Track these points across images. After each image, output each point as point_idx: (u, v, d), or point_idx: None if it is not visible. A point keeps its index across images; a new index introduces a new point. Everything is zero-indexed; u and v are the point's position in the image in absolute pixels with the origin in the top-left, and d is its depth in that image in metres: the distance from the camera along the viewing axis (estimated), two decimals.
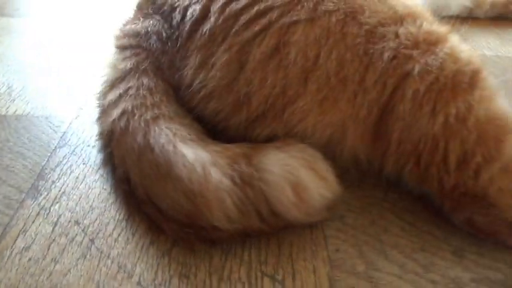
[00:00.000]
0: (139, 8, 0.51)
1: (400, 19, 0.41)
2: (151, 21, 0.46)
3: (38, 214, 0.38)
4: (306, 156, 0.35)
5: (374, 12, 0.41)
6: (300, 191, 0.33)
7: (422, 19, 0.42)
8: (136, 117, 0.38)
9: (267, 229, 0.34)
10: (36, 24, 0.74)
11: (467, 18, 0.88)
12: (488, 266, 0.35)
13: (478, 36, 0.83)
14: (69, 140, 0.47)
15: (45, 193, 0.40)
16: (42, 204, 0.39)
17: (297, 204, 0.33)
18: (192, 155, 0.34)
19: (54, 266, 0.33)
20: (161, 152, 0.35)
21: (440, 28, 0.43)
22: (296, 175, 0.33)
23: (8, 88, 0.55)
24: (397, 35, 0.40)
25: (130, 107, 0.39)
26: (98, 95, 0.45)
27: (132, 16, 0.51)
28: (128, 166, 0.37)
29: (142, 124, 0.38)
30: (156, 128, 0.37)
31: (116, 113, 0.40)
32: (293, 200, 0.32)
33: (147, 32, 0.45)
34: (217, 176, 0.32)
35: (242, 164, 0.33)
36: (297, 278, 0.32)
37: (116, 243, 0.35)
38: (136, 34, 0.46)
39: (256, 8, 0.40)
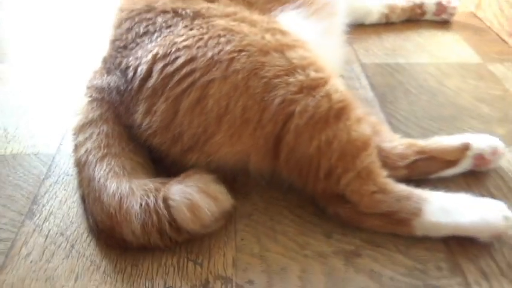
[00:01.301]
0: (104, 62, 0.65)
1: (293, 70, 0.56)
2: (112, 77, 0.60)
3: (34, 230, 0.52)
4: (200, 183, 0.49)
5: (272, 67, 0.55)
6: (195, 210, 0.47)
7: (312, 68, 0.57)
8: (92, 155, 0.54)
9: (169, 244, 0.49)
10: (23, 69, 0.87)
11: (386, 24, 1.06)
12: (346, 242, 0.51)
13: (394, 44, 0.98)
14: (53, 171, 0.62)
15: (38, 214, 0.55)
16: (36, 222, 0.53)
17: (193, 220, 0.47)
18: (114, 187, 0.49)
19: (48, 265, 0.48)
20: (98, 182, 0.51)
21: (324, 74, 0.57)
22: (191, 199, 0.47)
23: (4, 131, 0.70)
24: (287, 84, 0.54)
25: (90, 147, 0.55)
26: (73, 135, 0.59)
27: (98, 69, 0.65)
28: (84, 190, 0.52)
29: (94, 160, 0.53)
30: (100, 164, 0.52)
31: (82, 150, 0.56)
32: (190, 218, 0.47)
33: (109, 87, 0.60)
34: (129, 203, 0.47)
35: (151, 195, 0.48)
36: (211, 260, 0.48)
37: (89, 246, 0.50)
38: (101, 90, 0.60)
39: (184, 70, 0.55)
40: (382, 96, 0.80)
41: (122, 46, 0.61)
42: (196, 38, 0.57)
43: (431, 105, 0.79)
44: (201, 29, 0.58)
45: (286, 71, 0.55)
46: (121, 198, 0.48)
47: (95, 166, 0.52)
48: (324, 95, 0.54)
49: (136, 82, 0.57)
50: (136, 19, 0.62)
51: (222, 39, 0.56)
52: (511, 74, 0.88)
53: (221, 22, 0.59)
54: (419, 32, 1.03)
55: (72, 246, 0.50)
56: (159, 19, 0.61)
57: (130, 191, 0.48)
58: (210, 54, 0.55)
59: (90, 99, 0.61)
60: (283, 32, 0.61)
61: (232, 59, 0.55)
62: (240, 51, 0.55)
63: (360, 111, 0.58)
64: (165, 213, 0.47)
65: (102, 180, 0.50)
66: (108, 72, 0.61)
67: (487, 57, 0.94)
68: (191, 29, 0.58)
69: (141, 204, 0.47)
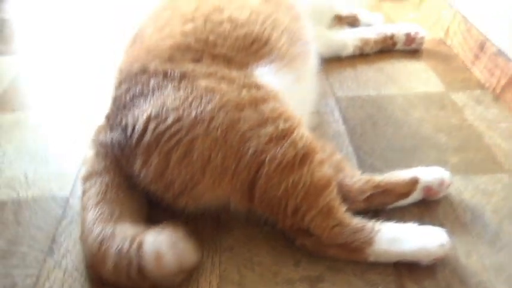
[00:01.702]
0: (107, 118, 0.76)
1: (264, 123, 0.66)
2: (114, 134, 0.71)
3: (54, 266, 0.64)
4: (171, 238, 0.59)
5: (246, 121, 0.66)
6: (161, 262, 0.56)
7: (281, 119, 0.67)
8: (91, 200, 0.65)
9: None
10: (40, 115, 0.98)
11: (361, 55, 1.15)
12: (312, 269, 0.62)
13: (367, 76, 1.08)
14: (68, 212, 0.73)
15: (57, 252, 0.66)
16: (56, 259, 0.65)
17: (158, 270, 0.56)
18: (98, 230, 0.59)
19: None
20: (88, 224, 0.62)
21: (291, 123, 0.68)
22: (160, 252, 0.57)
23: (25, 177, 0.81)
24: (259, 136, 0.65)
25: (91, 194, 0.66)
26: (82, 182, 0.70)
27: (103, 125, 0.76)
28: (80, 231, 0.64)
29: (91, 205, 0.64)
30: (94, 209, 0.63)
31: (86, 196, 0.67)
32: (155, 268, 0.56)
33: (112, 143, 0.70)
34: (108, 246, 0.57)
35: (128, 241, 0.58)
36: (199, 286, 0.58)
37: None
38: (105, 145, 0.71)
39: (173, 128, 0.65)
40: (353, 129, 0.91)
41: (121, 105, 0.72)
42: (182, 99, 0.67)
43: (395, 136, 0.88)
44: (186, 90, 0.69)
45: (259, 124, 0.66)
46: (102, 240, 0.58)
47: (90, 210, 0.63)
48: (290, 144, 0.65)
49: (134, 139, 0.67)
50: (133, 81, 0.73)
51: (204, 100, 0.67)
52: (471, 102, 0.98)
53: (203, 83, 0.70)
54: (391, 62, 1.13)
55: (85, 279, 0.61)
56: (152, 81, 0.71)
57: (112, 235, 0.59)
58: (194, 114, 0.66)
59: (96, 152, 0.72)
60: (258, 86, 0.72)
61: (212, 118, 0.65)
62: (219, 109, 0.66)
63: (322, 154, 0.68)
64: (135, 259, 0.56)
65: (91, 223, 0.61)
66: (111, 129, 0.72)
67: (451, 86, 1.03)
68: (178, 90, 0.69)
69: (117, 248, 0.57)
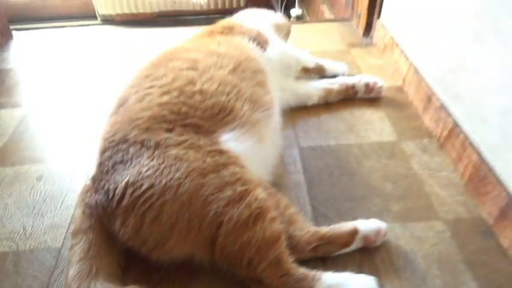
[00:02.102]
0: (93, 181, 0.88)
1: (223, 187, 0.79)
2: (98, 196, 0.83)
3: None
4: None
5: (209, 186, 0.78)
6: None
7: (239, 183, 0.80)
8: (74, 256, 0.77)
9: None
10: (37, 169, 1.11)
11: (325, 104, 1.28)
12: None
13: (329, 125, 1.20)
14: (60, 262, 0.85)
15: None
16: None
17: None
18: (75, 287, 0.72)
19: None
20: (69, 280, 0.74)
21: (248, 186, 0.80)
22: None
23: (23, 229, 0.93)
24: (219, 199, 0.77)
25: (77, 249, 0.78)
26: (71, 237, 0.83)
27: (90, 185, 0.88)
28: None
29: (75, 260, 0.77)
30: (76, 265, 0.76)
31: (73, 250, 0.79)
32: None
33: (96, 204, 0.83)
34: None
35: None
36: None
37: None
38: (91, 206, 0.83)
39: (147, 194, 0.78)
40: (311, 180, 1.03)
41: (105, 171, 0.85)
42: (155, 168, 0.80)
43: (348, 186, 1.01)
44: (159, 159, 0.81)
45: (219, 189, 0.78)
46: None
47: (73, 266, 0.76)
48: (245, 206, 0.77)
49: (115, 202, 0.80)
50: (115, 149, 0.86)
51: (173, 168, 0.80)
52: (418, 151, 1.10)
53: (174, 151, 0.82)
54: (352, 111, 1.26)
55: None
56: (131, 150, 0.84)
57: None
58: (164, 181, 0.78)
59: (83, 211, 0.84)
60: (221, 152, 0.85)
61: (179, 185, 0.78)
62: (186, 177, 0.78)
63: (274, 212, 0.80)
64: None
65: (71, 279, 0.74)
66: (96, 191, 0.85)
67: (402, 135, 1.16)
68: (152, 159, 0.82)
69: None
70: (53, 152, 1.18)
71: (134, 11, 3.05)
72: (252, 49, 1.17)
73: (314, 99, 1.28)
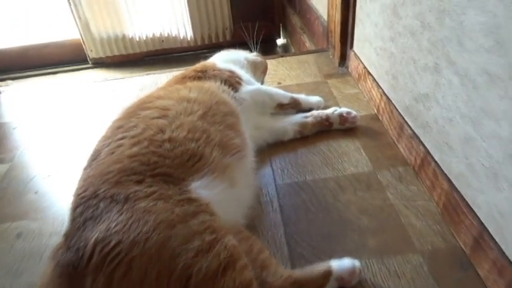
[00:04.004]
0: (65, 237, 0.87)
1: (192, 237, 0.78)
2: (69, 254, 0.83)
3: None
4: None
5: (177, 237, 0.77)
6: None
7: (208, 231, 0.79)
8: None
9: None
10: (18, 227, 1.11)
11: (302, 138, 1.28)
12: None
13: (306, 160, 1.20)
14: None
15: None
16: None
17: None
18: None
19: None
20: None
21: (217, 234, 0.79)
22: None
23: None
24: (187, 251, 0.76)
25: None
26: None
27: (62, 243, 0.87)
28: None
29: None
30: None
31: None
32: None
33: (67, 262, 0.82)
34: None
35: None
36: None
37: None
38: (61, 264, 0.82)
39: (115, 251, 0.76)
40: (288, 219, 1.02)
41: (76, 228, 0.84)
42: (123, 223, 0.79)
43: (324, 222, 1.00)
44: (127, 214, 0.81)
45: (187, 240, 0.77)
46: None
47: None
48: (214, 255, 0.76)
49: (85, 260, 0.79)
50: (86, 205, 0.86)
51: (141, 222, 0.79)
52: (394, 180, 1.09)
53: (143, 204, 0.82)
54: (328, 143, 1.26)
55: None
56: (101, 205, 0.84)
57: None
58: (132, 236, 0.77)
59: (53, 269, 0.83)
60: (191, 200, 0.84)
61: (147, 239, 0.77)
62: (154, 230, 0.77)
63: (244, 260, 0.79)
64: None
65: None
66: (68, 248, 0.84)
67: (378, 165, 1.15)
68: (121, 214, 0.81)
69: None
70: (33, 207, 1.18)
71: (124, 52, 3.12)
72: (224, 91, 1.19)
73: (290, 134, 1.28)
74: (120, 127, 1.01)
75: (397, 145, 1.20)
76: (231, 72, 1.30)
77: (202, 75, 1.26)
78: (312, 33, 2.29)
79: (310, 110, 1.35)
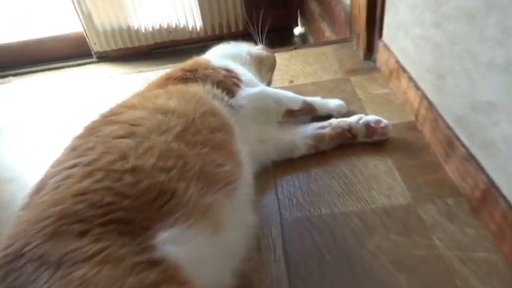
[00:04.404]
0: None
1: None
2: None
3: None
4: None
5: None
6: None
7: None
8: None
9: None
10: None
11: (316, 153, 0.99)
12: None
13: (321, 185, 0.90)
14: None
15: None
16: None
17: None
18: None
19: None
20: None
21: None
22: None
23: None
24: None
25: None
26: None
27: None
28: None
29: None
30: None
31: None
32: None
33: None
34: None
35: None
36: None
37: None
38: None
39: None
40: (295, 271, 0.74)
41: None
42: None
43: (343, 278, 0.72)
44: (59, 284, 0.56)
45: None
46: None
47: None
48: None
49: None
50: (10, 267, 0.61)
51: None
52: (442, 219, 0.79)
53: (81, 271, 0.56)
54: (351, 162, 0.97)
55: None
56: (29, 268, 0.58)
57: None
58: None
59: None
60: (152, 264, 0.58)
61: None
62: None
63: None
64: None
65: None
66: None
67: (418, 194, 0.85)
68: (52, 283, 0.57)
69: None
70: None
71: (129, 45, 2.89)
72: (215, 97, 0.91)
73: (302, 150, 0.99)
74: (75, 149, 0.76)
75: (443, 166, 0.90)
76: (228, 70, 1.02)
77: (191, 75, 0.98)
78: (333, 20, 1.98)
79: (328, 117, 1.07)
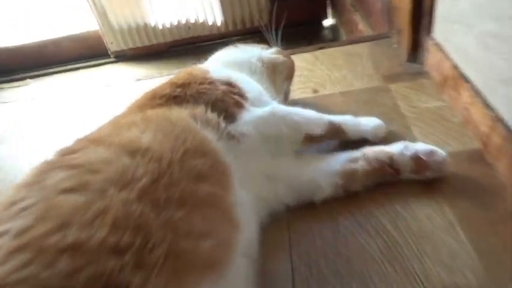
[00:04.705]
0: None
1: None
2: None
3: None
4: None
5: None
6: None
7: None
8: None
9: None
10: None
11: (345, 197, 0.73)
12: None
13: (353, 246, 0.65)
14: None
15: None
16: None
17: None
18: None
19: None
20: None
21: None
22: None
23: None
24: None
25: None
26: None
27: None
28: None
29: None
30: None
31: None
32: None
33: None
34: None
35: None
36: None
37: None
38: None
39: None
40: None
41: None
42: None
43: None
44: None
45: None
46: None
47: None
48: None
49: None
50: None
51: None
52: None
53: None
54: (394, 211, 0.70)
55: None
56: None
57: None
58: None
59: None
60: None
61: None
62: None
63: None
64: None
65: None
66: None
67: (497, 270, 0.58)
68: None
69: None
70: None
71: (147, 43, 2.72)
72: (207, 125, 0.67)
73: (326, 191, 0.73)
74: (14, 203, 0.55)
75: None
76: (230, 85, 0.78)
77: (182, 92, 0.75)
78: (367, 10, 1.68)
79: (361, 141, 0.81)
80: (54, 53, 2.77)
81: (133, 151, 0.57)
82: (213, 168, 0.60)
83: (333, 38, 2.48)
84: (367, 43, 1.24)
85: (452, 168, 0.73)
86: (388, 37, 1.24)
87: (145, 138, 0.59)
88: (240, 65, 0.90)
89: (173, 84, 0.78)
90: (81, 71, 2.79)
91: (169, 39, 2.70)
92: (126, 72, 2.69)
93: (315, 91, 1.06)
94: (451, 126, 0.84)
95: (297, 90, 1.07)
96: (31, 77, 2.82)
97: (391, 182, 0.74)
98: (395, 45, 1.18)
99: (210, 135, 0.65)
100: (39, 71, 2.78)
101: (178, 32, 2.66)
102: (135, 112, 0.73)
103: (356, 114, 0.86)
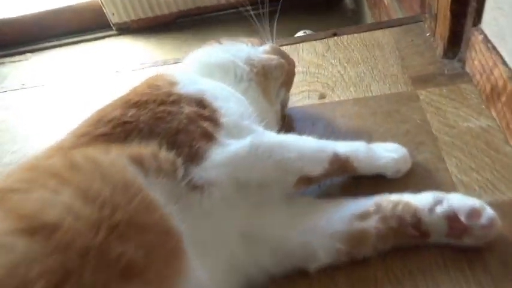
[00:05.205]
0: None
1: None
2: None
3: None
4: None
5: None
6: None
7: None
8: None
9: None
10: None
11: (349, 267, 0.54)
12: None
13: None
14: None
15: None
16: None
17: None
18: None
19: None
20: None
21: None
22: None
23: None
24: None
25: None
26: None
27: None
28: None
29: None
30: None
31: None
32: None
33: None
34: None
35: None
36: None
37: None
38: None
39: None
40: None
41: None
42: None
43: None
44: None
45: None
46: None
47: None
48: None
49: None
50: None
51: None
52: None
53: None
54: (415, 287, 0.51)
55: None
56: None
57: None
58: None
59: None
60: None
61: None
62: None
63: None
64: None
65: None
66: None
67: None
68: None
69: None
70: None
71: (150, 15, 2.50)
72: (158, 173, 0.48)
73: (323, 258, 0.52)
74: None
75: None
76: (201, 104, 0.57)
77: (134, 117, 0.55)
78: None
79: (376, 178, 0.60)
80: (53, 25, 2.58)
81: (35, 229, 0.38)
82: (154, 252, 0.41)
83: (356, 9, 2.17)
84: (393, 29, 0.98)
85: (502, 229, 0.52)
86: (420, 21, 0.98)
87: (56, 208, 0.40)
88: (223, 70, 0.68)
89: (127, 103, 0.58)
90: (82, 45, 2.61)
91: (174, 9, 2.47)
92: (129, 46, 2.49)
93: (322, 96, 0.84)
94: (503, 159, 0.62)
95: (299, 94, 0.85)
96: (31, 51, 2.66)
97: (416, 249, 0.53)
98: (427, 33, 0.93)
99: (158, 193, 0.46)
100: (39, 44, 2.61)
101: (183, 2, 2.43)
102: (68, 146, 0.54)
103: (372, 133, 0.65)
